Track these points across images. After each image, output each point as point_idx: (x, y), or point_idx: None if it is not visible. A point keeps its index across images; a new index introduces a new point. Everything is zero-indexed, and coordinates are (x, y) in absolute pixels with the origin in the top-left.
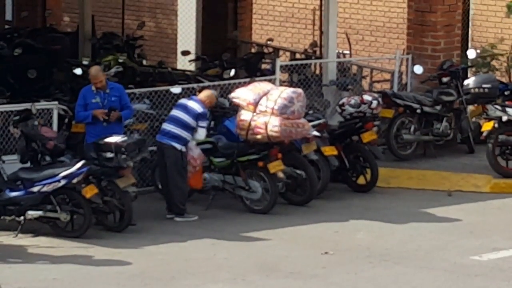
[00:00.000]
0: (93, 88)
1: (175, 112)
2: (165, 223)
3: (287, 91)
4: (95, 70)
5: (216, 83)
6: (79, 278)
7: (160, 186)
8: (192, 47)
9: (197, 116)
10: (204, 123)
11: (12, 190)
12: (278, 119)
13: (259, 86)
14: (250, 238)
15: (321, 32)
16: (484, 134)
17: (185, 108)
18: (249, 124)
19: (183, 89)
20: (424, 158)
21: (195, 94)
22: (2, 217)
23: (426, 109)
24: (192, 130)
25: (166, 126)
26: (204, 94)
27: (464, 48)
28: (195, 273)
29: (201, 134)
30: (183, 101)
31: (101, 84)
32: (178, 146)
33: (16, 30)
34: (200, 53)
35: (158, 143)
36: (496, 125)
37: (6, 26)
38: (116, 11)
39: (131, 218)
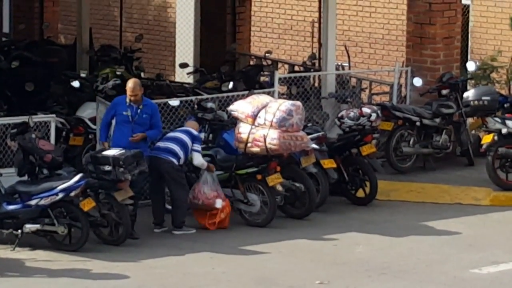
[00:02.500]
0: (127, 100)
1: (171, 133)
2: (163, 236)
3: (286, 104)
4: (133, 82)
5: (214, 95)
6: None
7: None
8: (190, 60)
9: (193, 137)
10: (198, 147)
11: (9, 203)
12: (276, 132)
13: (258, 99)
14: (249, 251)
15: (320, 45)
16: (484, 146)
17: (181, 130)
18: (248, 137)
19: (181, 101)
20: (423, 171)
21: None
22: None
23: (426, 121)
24: (187, 151)
25: (162, 144)
26: (190, 125)
27: (464, 60)
28: (194, 287)
29: (197, 158)
30: (174, 131)
31: (135, 98)
32: (175, 161)
33: (13, 43)
34: (198, 66)
35: (154, 158)
36: (496, 138)
37: (4, 39)
38: (114, 23)
39: (128, 231)
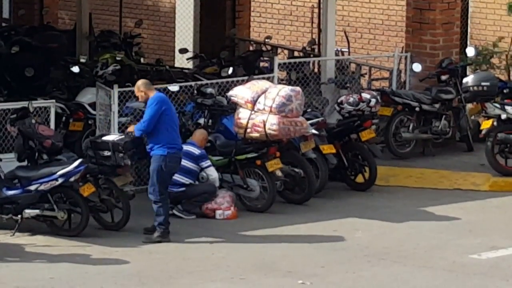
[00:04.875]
0: None
1: None
2: None
3: (285, 89)
4: (136, 83)
5: (214, 81)
6: (77, 277)
7: None
8: (190, 45)
9: (196, 158)
10: (207, 163)
11: (9, 188)
12: (276, 117)
13: (257, 84)
14: (248, 236)
15: (320, 30)
16: (483, 132)
17: (184, 154)
18: (247, 122)
19: (181, 87)
20: (422, 156)
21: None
22: None
23: (425, 107)
24: (195, 175)
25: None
26: (196, 135)
27: (463, 46)
28: (193, 272)
29: (212, 173)
30: None
31: (138, 98)
32: (182, 188)
33: (13, 28)
34: (198, 51)
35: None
36: (495, 123)
37: (3, 24)
38: (113, 8)
39: (129, 216)
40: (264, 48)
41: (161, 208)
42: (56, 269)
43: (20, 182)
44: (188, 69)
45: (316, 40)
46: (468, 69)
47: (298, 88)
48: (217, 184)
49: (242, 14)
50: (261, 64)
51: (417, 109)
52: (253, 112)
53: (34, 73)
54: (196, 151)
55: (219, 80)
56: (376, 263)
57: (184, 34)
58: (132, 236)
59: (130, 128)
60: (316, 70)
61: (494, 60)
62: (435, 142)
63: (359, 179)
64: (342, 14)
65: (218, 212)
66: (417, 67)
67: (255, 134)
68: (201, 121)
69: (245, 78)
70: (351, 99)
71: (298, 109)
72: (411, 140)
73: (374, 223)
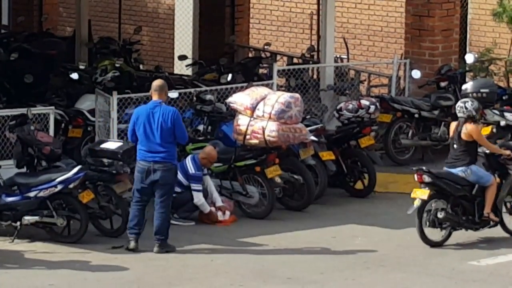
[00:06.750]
0: None
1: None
2: None
3: (285, 96)
4: None
5: (213, 87)
6: (76, 283)
7: None
8: (189, 52)
9: (188, 177)
10: (197, 186)
11: (8, 195)
12: (275, 124)
13: (257, 91)
14: (248, 243)
15: (319, 37)
16: None
17: (181, 164)
18: (247, 129)
19: (180, 94)
20: (422, 163)
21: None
22: None
23: (424, 113)
24: (186, 187)
25: None
26: (204, 151)
27: (462, 52)
28: (192, 279)
29: (197, 198)
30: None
31: None
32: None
33: (12, 35)
34: (197, 58)
35: None
36: (494, 130)
37: (3, 31)
38: (113, 15)
39: (127, 223)
40: (263, 55)
41: (131, 210)
42: (56, 275)
43: (19, 188)
44: (187, 75)
45: (315, 46)
46: (467, 76)
47: (297, 95)
48: (206, 210)
49: (241, 21)
50: (260, 70)
51: (416, 115)
52: (252, 118)
53: (33, 80)
54: (191, 169)
55: (218, 87)
56: (375, 270)
57: (183, 40)
58: None
59: None
60: (315, 76)
61: (493, 67)
62: (434, 148)
63: (359, 185)
64: (341, 21)
65: (219, 212)
66: (416, 73)
67: (255, 141)
68: (200, 127)
69: (244, 84)
70: (350, 106)
71: (297, 115)
72: (410, 147)
73: (373, 230)
